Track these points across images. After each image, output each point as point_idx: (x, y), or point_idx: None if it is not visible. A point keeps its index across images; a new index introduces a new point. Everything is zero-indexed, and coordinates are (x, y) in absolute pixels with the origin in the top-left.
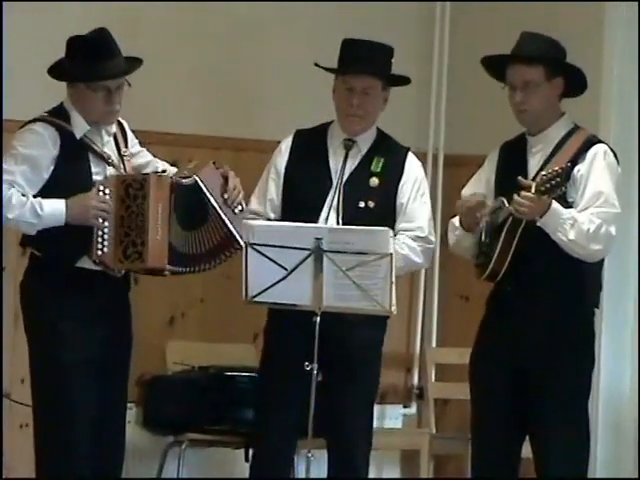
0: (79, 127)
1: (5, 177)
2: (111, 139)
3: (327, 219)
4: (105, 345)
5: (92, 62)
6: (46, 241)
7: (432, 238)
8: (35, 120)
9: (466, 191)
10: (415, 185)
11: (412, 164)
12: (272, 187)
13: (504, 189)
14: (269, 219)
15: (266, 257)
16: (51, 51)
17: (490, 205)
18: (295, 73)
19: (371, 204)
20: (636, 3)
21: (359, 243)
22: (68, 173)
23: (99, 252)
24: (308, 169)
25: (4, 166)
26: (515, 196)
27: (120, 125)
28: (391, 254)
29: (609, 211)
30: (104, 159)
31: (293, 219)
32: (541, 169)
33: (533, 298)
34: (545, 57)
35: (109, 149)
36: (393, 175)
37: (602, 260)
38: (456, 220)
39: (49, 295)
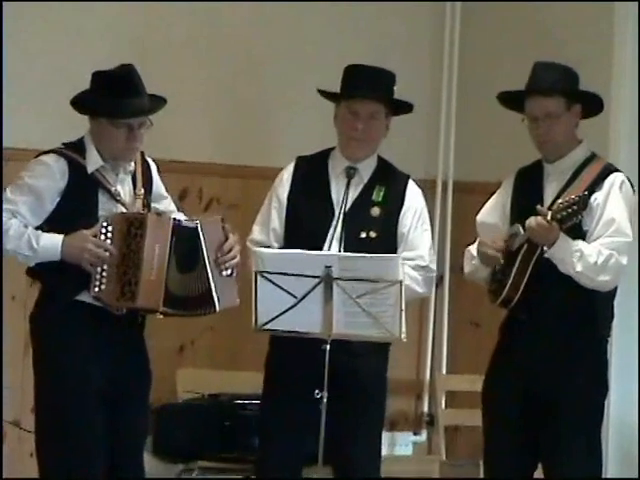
0: (93, 162)
1: (8, 206)
2: (128, 177)
3: (330, 250)
4: (113, 377)
5: (117, 98)
6: (49, 272)
7: (433, 267)
8: (48, 152)
9: (481, 217)
10: (416, 214)
11: (412, 192)
12: (275, 216)
13: (520, 215)
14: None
15: (276, 285)
16: (55, 79)
17: (506, 232)
18: (305, 101)
19: (373, 234)
20: (635, 3)
21: (369, 270)
22: (73, 206)
23: (96, 289)
24: (310, 199)
25: (9, 195)
26: (529, 220)
27: (147, 166)
28: (401, 281)
29: (620, 240)
30: (112, 196)
31: (296, 249)
32: (558, 197)
33: (546, 326)
34: (564, 88)
35: (124, 187)
36: (394, 204)
37: (615, 290)
38: (473, 249)
39: (54, 326)
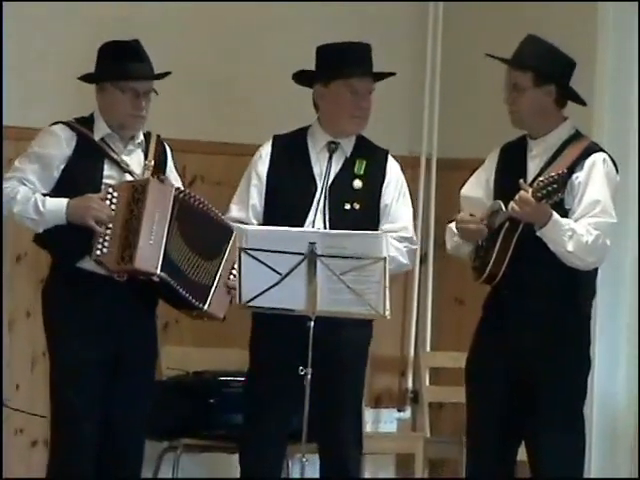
0: (100, 130)
1: (17, 174)
2: (138, 150)
3: (314, 222)
4: (117, 350)
5: (122, 63)
6: (53, 240)
7: (415, 239)
8: (56, 122)
9: (466, 191)
10: (397, 187)
11: (393, 166)
12: (254, 193)
13: (503, 191)
14: None
15: (260, 262)
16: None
17: (488, 206)
18: (290, 78)
19: (357, 206)
20: (635, 3)
21: (353, 247)
22: (78, 173)
23: (98, 252)
24: (292, 174)
25: (17, 164)
26: (512, 201)
27: (163, 149)
28: (385, 258)
29: (606, 221)
30: (119, 165)
31: (279, 224)
32: (539, 174)
33: (528, 302)
34: (533, 64)
35: (132, 158)
36: (376, 177)
37: (597, 267)
38: (454, 225)
39: (59, 302)
